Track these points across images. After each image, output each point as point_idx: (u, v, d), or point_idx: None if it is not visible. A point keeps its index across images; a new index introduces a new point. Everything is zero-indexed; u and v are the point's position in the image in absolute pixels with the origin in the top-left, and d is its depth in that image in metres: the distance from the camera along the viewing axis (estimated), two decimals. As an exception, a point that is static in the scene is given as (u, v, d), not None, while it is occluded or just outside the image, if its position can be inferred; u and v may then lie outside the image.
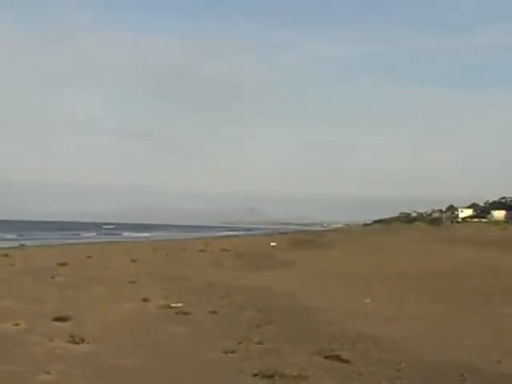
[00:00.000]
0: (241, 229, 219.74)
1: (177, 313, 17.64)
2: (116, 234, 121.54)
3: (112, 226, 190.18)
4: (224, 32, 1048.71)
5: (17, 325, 15.10)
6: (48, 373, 10.76)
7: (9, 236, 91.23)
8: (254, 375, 10.91)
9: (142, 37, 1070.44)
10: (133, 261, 38.09)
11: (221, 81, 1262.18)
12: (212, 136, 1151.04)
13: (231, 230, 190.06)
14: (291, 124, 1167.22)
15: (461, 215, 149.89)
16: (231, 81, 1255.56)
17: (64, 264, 33.09)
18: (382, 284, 26.30)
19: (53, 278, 26.38)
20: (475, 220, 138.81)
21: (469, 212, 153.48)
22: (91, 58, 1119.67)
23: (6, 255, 39.60)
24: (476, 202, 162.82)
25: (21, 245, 63.38)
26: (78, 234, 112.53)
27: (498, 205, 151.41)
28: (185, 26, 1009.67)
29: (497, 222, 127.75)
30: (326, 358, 12.27)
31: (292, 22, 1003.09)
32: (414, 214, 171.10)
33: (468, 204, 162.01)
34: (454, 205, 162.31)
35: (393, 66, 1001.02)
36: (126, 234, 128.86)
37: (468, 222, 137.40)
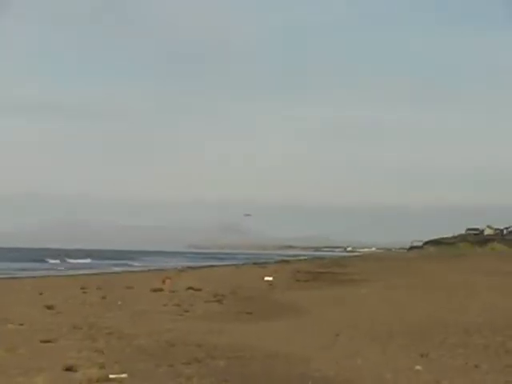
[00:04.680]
0: (218, 255, 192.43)
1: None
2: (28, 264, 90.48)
3: (19, 252, 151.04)
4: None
5: None
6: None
7: None
8: None
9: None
10: (48, 307, 28.71)
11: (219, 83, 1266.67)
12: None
13: (204, 258, 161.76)
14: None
15: None
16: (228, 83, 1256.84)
17: None
18: (442, 342, 19.92)
19: None
20: None
21: None
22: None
23: None
24: None
25: None
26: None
27: None
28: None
29: None
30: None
31: None
32: (488, 231, 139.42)
33: None
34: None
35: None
36: (42, 262, 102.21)
37: None
